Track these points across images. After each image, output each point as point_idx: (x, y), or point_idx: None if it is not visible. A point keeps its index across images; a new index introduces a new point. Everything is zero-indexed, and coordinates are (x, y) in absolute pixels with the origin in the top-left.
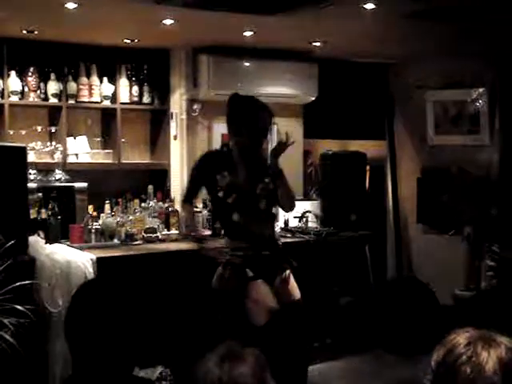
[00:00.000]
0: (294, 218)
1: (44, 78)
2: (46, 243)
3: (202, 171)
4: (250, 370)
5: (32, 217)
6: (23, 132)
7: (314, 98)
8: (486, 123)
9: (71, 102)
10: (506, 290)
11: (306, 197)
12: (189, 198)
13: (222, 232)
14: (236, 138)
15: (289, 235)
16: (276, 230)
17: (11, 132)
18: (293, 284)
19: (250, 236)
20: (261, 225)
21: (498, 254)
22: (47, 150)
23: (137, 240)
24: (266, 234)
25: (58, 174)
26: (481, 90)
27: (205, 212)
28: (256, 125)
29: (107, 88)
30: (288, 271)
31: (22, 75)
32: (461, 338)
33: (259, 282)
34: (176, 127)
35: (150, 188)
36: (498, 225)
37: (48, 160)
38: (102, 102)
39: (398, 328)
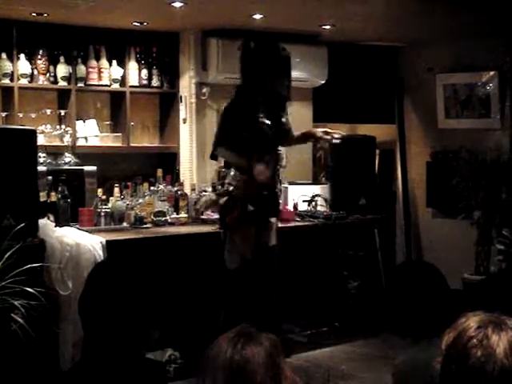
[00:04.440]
0: (304, 201)
1: (53, 61)
2: (55, 226)
3: None
4: (263, 352)
5: (42, 200)
6: (33, 115)
7: (323, 82)
8: (496, 107)
9: (80, 85)
10: None
11: (316, 181)
12: None
13: None
14: None
15: (298, 219)
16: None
17: (21, 115)
18: (273, 231)
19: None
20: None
21: (508, 238)
22: (57, 133)
23: (146, 223)
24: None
25: (68, 157)
26: (492, 73)
27: None
28: None
29: (116, 71)
30: (274, 220)
31: (31, 58)
32: (471, 321)
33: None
34: (185, 110)
35: (159, 171)
36: (507, 209)
37: (57, 143)
38: (111, 85)
39: (407, 312)
